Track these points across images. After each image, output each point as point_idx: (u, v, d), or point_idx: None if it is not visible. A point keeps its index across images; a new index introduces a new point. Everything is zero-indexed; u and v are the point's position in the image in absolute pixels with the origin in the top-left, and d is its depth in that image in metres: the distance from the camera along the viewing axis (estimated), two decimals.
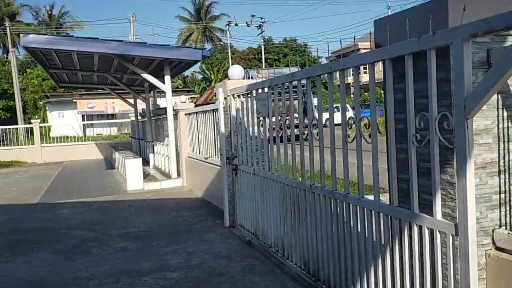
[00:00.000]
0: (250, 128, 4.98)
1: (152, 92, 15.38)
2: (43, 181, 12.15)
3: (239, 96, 5.29)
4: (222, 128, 5.98)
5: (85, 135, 25.94)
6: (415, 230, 2.41)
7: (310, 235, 3.63)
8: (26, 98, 40.20)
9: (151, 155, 13.35)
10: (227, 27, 47.05)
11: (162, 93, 24.48)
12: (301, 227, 3.78)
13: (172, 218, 6.74)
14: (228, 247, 5.07)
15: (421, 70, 2.38)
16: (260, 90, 4.58)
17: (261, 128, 4.64)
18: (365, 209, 2.85)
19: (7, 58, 50.35)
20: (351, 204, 3.01)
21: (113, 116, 35.79)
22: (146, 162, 13.04)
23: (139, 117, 17.14)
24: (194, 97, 36.44)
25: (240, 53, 56.95)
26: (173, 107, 10.02)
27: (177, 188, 9.56)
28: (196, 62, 10.26)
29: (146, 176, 10.67)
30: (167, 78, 9.94)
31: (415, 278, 2.41)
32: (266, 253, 4.63)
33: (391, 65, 2.54)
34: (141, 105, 18.13)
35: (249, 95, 4.90)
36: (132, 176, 9.66)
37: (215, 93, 19.51)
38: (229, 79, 5.88)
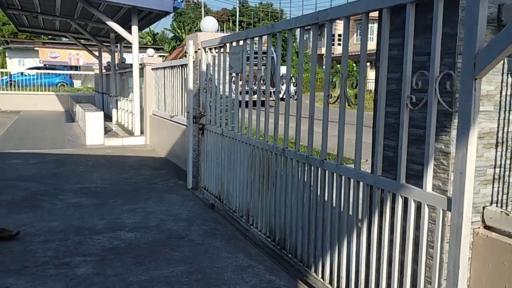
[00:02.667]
0: (221, 86, 4.62)
1: (118, 45, 14.57)
2: None
3: (211, 50, 4.89)
4: (191, 85, 5.58)
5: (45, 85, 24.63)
6: (400, 202, 2.18)
7: (278, 201, 3.38)
8: None
9: (114, 111, 12.75)
10: None
11: (128, 47, 23.38)
12: (270, 193, 3.53)
13: (132, 176, 6.37)
14: (190, 209, 4.78)
15: (423, 23, 2.09)
16: (234, 43, 4.20)
17: (233, 86, 4.29)
18: (343, 177, 2.60)
19: None
20: (327, 171, 2.75)
21: (77, 68, 34.25)
22: (108, 118, 12.45)
23: (104, 71, 16.32)
24: (164, 56, 35.24)
25: (213, 14, 55.34)
26: (139, 62, 9.45)
27: (139, 146, 9.13)
28: (166, 13, 9.66)
29: (108, 131, 10.15)
30: (134, 28, 9.31)
31: (394, 255, 2.20)
32: (229, 218, 4.38)
33: (388, 15, 2.23)
34: (106, 58, 17.25)
35: (222, 49, 4.52)
36: (92, 130, 9.14)
37: (185, 52, 18.90)
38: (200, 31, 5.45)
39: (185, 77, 6.90)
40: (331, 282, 2.76)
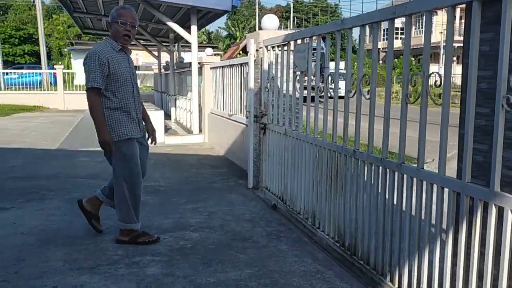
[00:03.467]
0: (284, 84, 4.53)
1: (176, 44, 14.87)
2: (64, 128, 12.00)
3: (273, 48, 4.81)
4: (252, 84, 5.54)
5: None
6: (493, 212, 1.99)
7: (348, 205, 3.24)
8: (51, 44, 40.03)
9: (173, 109, 13.03)
10: None
11: (186, 47, 23.87)
12: (338, 196, 3.40)
13: (192, 174, 6.43)
14: (252, 209, 4.74)
15: None
16: (299, 41, 4.10)
17: (297, 85, 4.19)
18: (425, 182, 2.43)
19: (33, 2, 50.02)
20: (406, 176, 2.59)
21: (136, 68, 35.43)
22: (167, 116, 12.74)
23: (163, 70, 16.73)
24: (218, 54, 35.73)
25: (267, 11, 55.37)
26: (198, 61, 9.55)
27: (198, 144, 9.24)
28: (224, 12, 9.68)
29: (167, 130, 10.37)
30: (194, 28, 9.42)
31: (486, 269, 2.01)
32: (293, 220, 4.29)
33: (479, 7, 2.04)
34: (165, 58, 17.67)
35: (285, 47, 4.43)
36: None
37: (241, 50, 18.99)
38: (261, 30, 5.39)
39: (245, 75, 6.88)
40: None
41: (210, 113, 9.20)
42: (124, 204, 3.67)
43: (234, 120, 7.44)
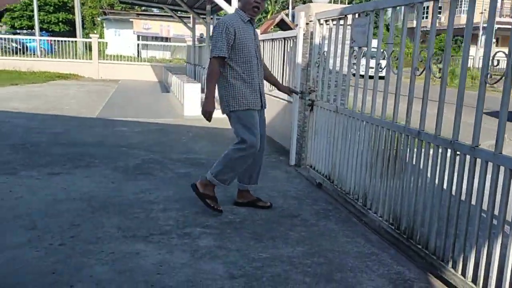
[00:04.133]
0: (338, 60, 4.39)
1: (213, 16, 14.71)
2: (100, 97, 12.13)
3: (326, 22, 4.65)
4: (299, 59, 5.41)
5: (138, 56, 25.77)
6: None
7: (407, 188, 3.14)
8: (85, 13, 40.30)
9: None
10: None
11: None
12: (396, 178, 3.30)
13: None
14: (296, 187, 4.69)
15: None
16: (358, 15, 3.94)
17: (354, 60, 4.04)
18: (505, 168, 2.30)
19: None
20: (481, 160, 2.47)
21: (167, 39, 35.40)
22: (201, 89, 12.71)
23: (197, 42, 16.63)
24: None
25: None
26: None
27: None
28: None
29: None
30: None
31: None
32: (340, 200, 4.23)
33: None
34: (199, 30, 17.56)
35: (341, 21, 4.27)
36: (189, 101, 9.37)
37: (276, 25, 18.46)
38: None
39: (288, 50, 6.74)
40: (475, 281, 2.51)
41: None
42: (229, 164, 3.67)
43: (275, 96, 7.33)
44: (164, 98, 12.62)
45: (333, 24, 4.45)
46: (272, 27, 22.68)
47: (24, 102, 10.32)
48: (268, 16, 44.53)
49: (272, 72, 7.51)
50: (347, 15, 4.13)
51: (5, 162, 5.08)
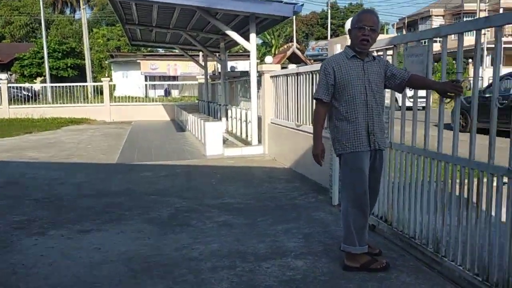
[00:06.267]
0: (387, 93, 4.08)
1: (226, 53, 14.66)
2: (116, 140, 11.91)
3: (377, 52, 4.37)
4: None
5: (146, 96, 25.85)
6: None
7: (496, 233, 2.75)
8: (92, 57, 40.92)
9: (223, 119, 12.77)
10: None
11: (231, 56, 23.76)
12: (479, 222, 2.91)
13: (267, 190, 6.04)
14: None
15: None
16: (412, 44, 3.64)
17: (410, 93, 3.72)
18: None
19: (73, 17, 51.52)
20: None
21: (174, 78, 35.65)
22: None
23: (209, 79, 16.56)
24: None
25: (302, 17, 55.01)
26: (257, 69, 9.22)
27: (258, 155, 8.87)
28: (284, 19, 9.33)
29: (224, 141, 10.06)
30: (253, 36, 9.09)
31: None
32: (402, 244, 3.81)
33: None
34: (210, 68, 17.51)
35: (389, 51, 3.98)
36: (211, 140, 9.08)
37: (287, 57, 18.65)
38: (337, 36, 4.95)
39: (316, 83, 6.47)
40: None
41: (270, 123, 8.83)
42: (345, 221, 3.36)
43: (303, 131, 7.02)
44: (181, 137, 12.37)
45: (379, 54, 4.16)
46: (284, 60, 22.80)
47: (41, 150, 10.10)
48: (273, 50, 45.03)
49: (299, 107, 7.24)
50: (396, 45, 3.84)
51: (31, 219, 4.75)
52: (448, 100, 3.24)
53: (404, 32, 43.93)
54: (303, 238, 4.08)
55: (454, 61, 29.75)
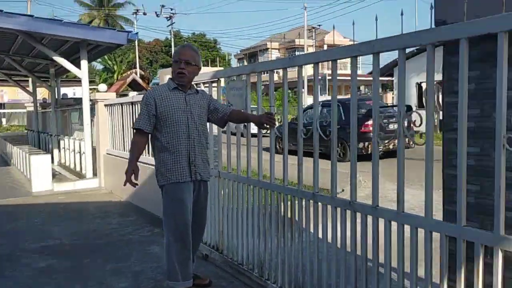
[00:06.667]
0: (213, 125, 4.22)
1: (56, 80, 13.59)
2: None
3: (196, 86, 4.48)
4: None
5: None
6: (499, 257, 1.91)
7: (308, 253, 3.00)
8: None
9: (55, 151, 11.74)
10: (135, 15, 44.58)
11: (65, 81, 22.05)
12: (296, 243, 3.15)
13: (99, 226, 5.67)
14: None
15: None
16: (233, 78, 3.85)
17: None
18: (409, 227, 2.29)
19: None
20: (384, 220, 2.44)
21: (1, 105, 31.79)
22: None
23: (39, 107, 15.13)
24: (94, 88, 33.83)
25: (146, 44, 54.52)
26: (90, 97, 8.73)
27: (94, 189, 8.34)
28: (118, 46, 9.08)
29: (54, 175, 9.21)
30: (84, 63, 8.63)
31: None
32: (231, 271, 3.91)
33: (467, 46, 2.00)
34: (40, 94, 16.04)
35: (214, 84, 4.15)
36: (38, 175, 8.23)
37: (127, 84, 18.10)
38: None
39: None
40: None
41: (106, 154, 8.40)
42: (168, 255, 3.23)
43: (139, 162, 6.83)
44: (5, 172, 10.98)
45: (205, 87, 4.30)
46: (124, 87, 22.07)
47: None
48: (115, 76, 43.49)
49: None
50: (220, 78, 4.02)
51: None
52: (265, 130, 3.48)
53: (246, 63, 46.91)
54: (133, 277, 3.89)
55: (290, 91, 32.63)
